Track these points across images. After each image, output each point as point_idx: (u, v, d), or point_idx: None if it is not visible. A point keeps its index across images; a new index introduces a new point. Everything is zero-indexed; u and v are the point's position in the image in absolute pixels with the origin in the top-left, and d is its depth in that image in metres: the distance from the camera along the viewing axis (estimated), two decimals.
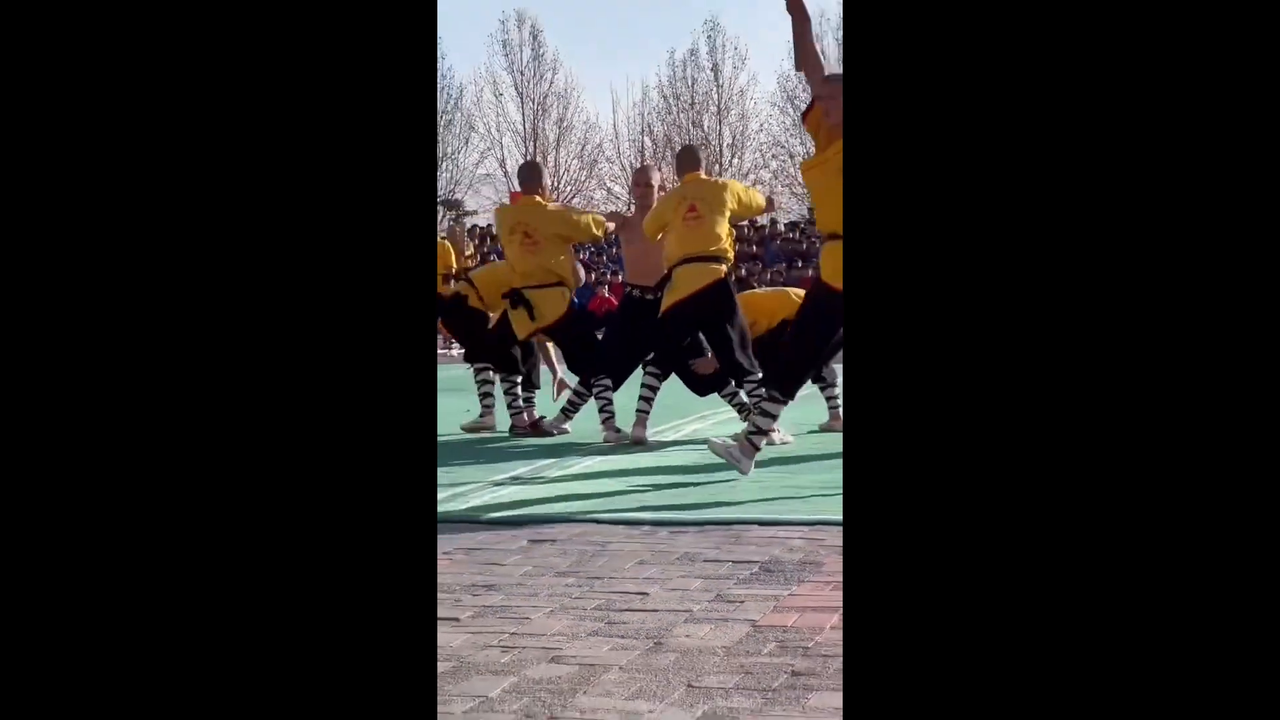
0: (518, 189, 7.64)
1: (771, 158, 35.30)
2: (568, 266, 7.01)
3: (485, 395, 7.83)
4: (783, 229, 29.41)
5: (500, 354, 7.51)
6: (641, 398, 6.99)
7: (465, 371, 8.03)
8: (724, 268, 6.69)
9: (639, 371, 7.17)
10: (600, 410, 7.02)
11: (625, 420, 7.14)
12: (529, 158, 31.29)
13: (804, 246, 27.04)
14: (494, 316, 7.66)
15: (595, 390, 7.00)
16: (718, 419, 7.76)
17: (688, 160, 7.13)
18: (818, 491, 5.01)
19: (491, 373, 7.79)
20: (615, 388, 7.00)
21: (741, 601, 3.31)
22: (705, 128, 35.58)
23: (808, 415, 7.98)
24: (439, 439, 7.12)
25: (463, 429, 7.69)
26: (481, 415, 7.80)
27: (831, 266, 5.04)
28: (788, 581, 3.50)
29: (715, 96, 36.02)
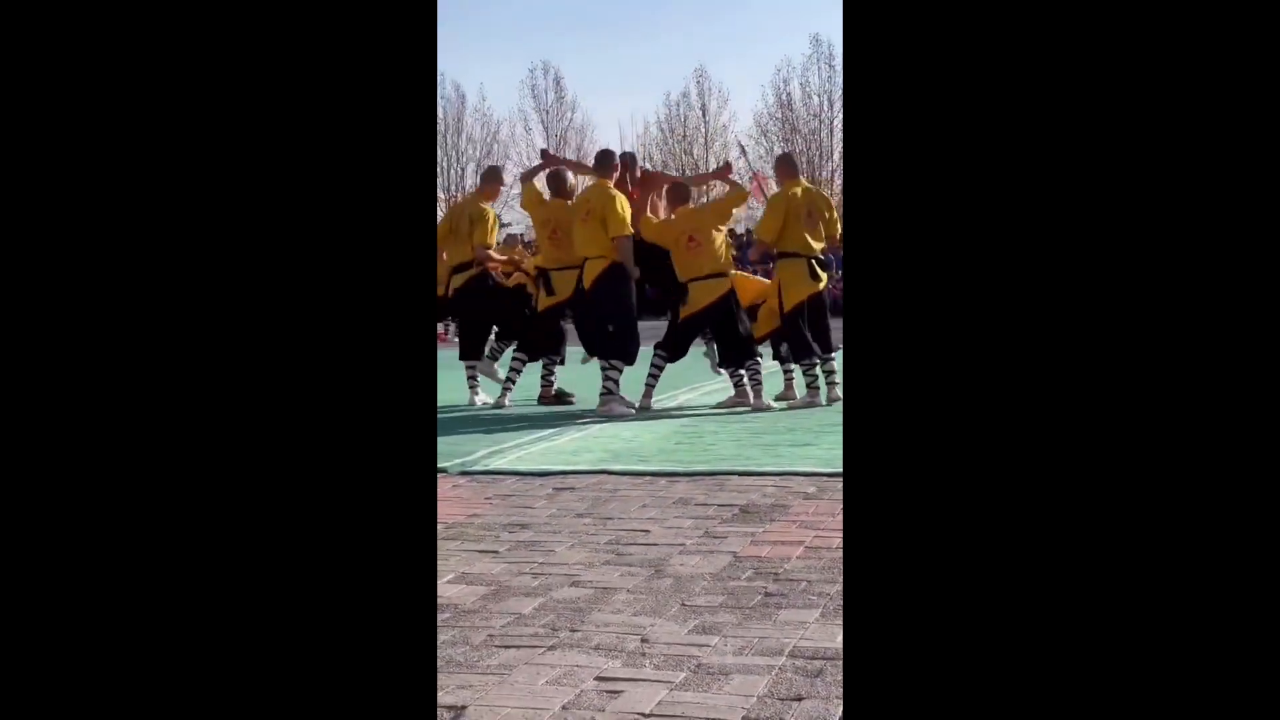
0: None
1: (747, 179, 35.28)
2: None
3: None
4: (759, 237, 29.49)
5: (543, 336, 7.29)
6: (651, 374, 6.93)
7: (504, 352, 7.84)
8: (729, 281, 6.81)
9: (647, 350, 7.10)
10: (647, 378, 6.83)
11: (632, 393, 7.13)
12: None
13: (775, 252, 27.04)
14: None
15: (654, 363, 6.82)
16: (707, 389, 7.73)
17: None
18: (786, 445, 5.00)
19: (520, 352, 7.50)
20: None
21: (725, 537, 3.30)
22: (694, 156, 35.47)
23: (775, 387, 7.97)
24: (481, 409, 7.10)
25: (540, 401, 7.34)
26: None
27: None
28: (762, 521, 3.50)
29: (703, 130, 35.99)
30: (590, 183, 7.05)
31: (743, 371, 6.87)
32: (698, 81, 36.16)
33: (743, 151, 8.79)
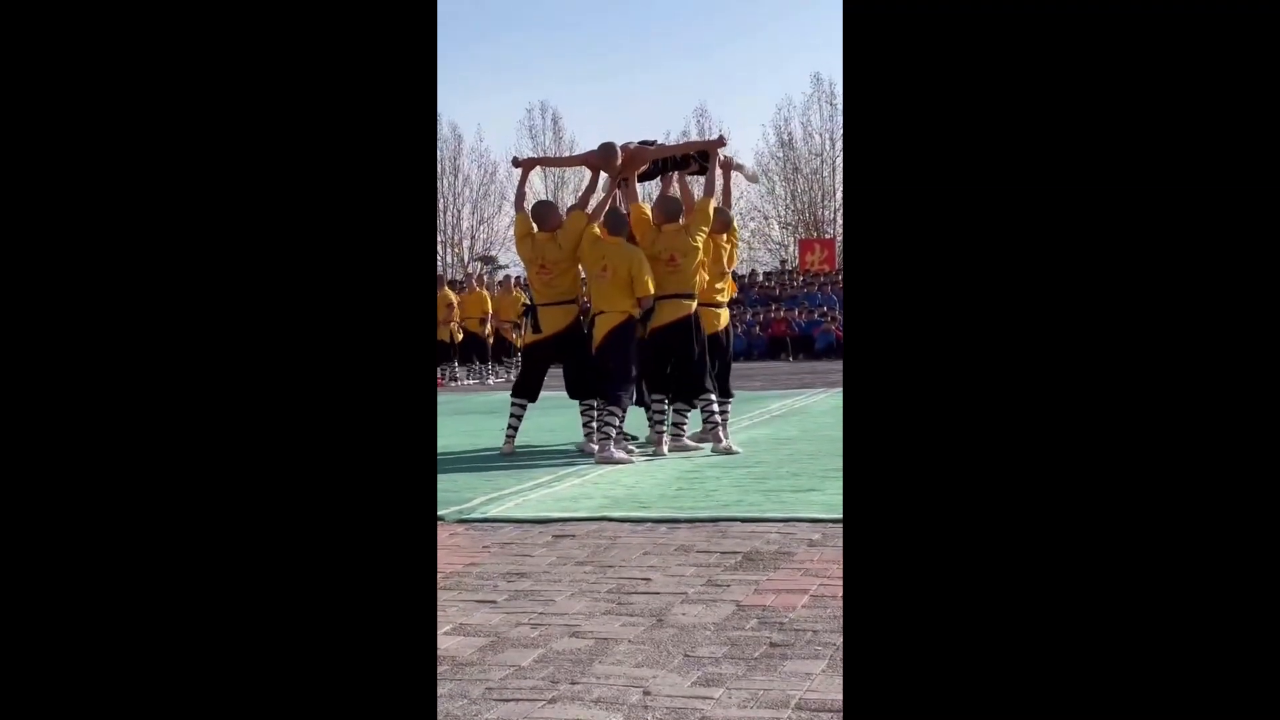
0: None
1: (750, 219, 35.36)
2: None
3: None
4: (761, 278, 29.49)
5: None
6: (662, 419, 6.93)
7: (501, 396, 7.85)
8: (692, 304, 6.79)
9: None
10: (705, 421, 6.81)
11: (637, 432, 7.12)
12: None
13: (777, 292, 27.11)
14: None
15: (703, 405, 6.77)
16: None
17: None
18: (790, 491, 5.00)
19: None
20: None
21: (728, 585, 3.30)
22: (695, 196, 35.77)
23: (778, 430, 7.96)
24: (480, 452, 7.10)
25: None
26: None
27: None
28: (766, 569, 3.49)
29: None
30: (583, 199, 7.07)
31: (691, 407, 6.88)
32: (698, 120, 36.37)
33: (739, 169, 8.54)
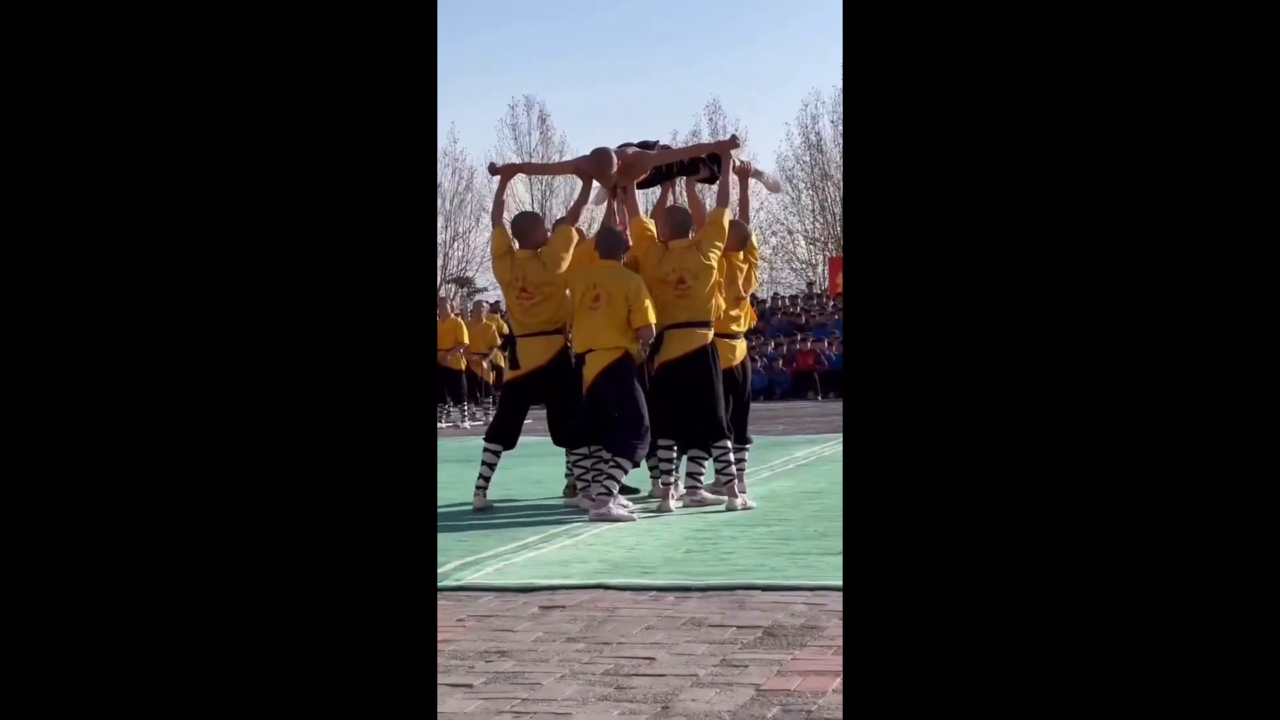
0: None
1: (771, 234, 35.44)
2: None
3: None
4: (784, 303, 29.42)
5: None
6: (669, 469, 6.88)
7: (477, 442, 7.86)
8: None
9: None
10: (720, 473, 6.77)
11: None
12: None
13: (803, 320, 27.09)
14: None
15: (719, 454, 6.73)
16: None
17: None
18: (817, 554, 4.99)
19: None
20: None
21: (746, 666, 3.29)
22: (707, 207, 35.87)
23: (804, 482, 7.96)
24: (453, 508, 7.09)
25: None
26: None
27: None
28: (790, 646, 3.49)
29: None
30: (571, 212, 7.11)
31: (709, 456, 6.86)
32: (710, 118, 36.54)
33: (759, 176, 8.51)
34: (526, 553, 5.39)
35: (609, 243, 6.84)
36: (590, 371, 6.66)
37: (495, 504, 7.13)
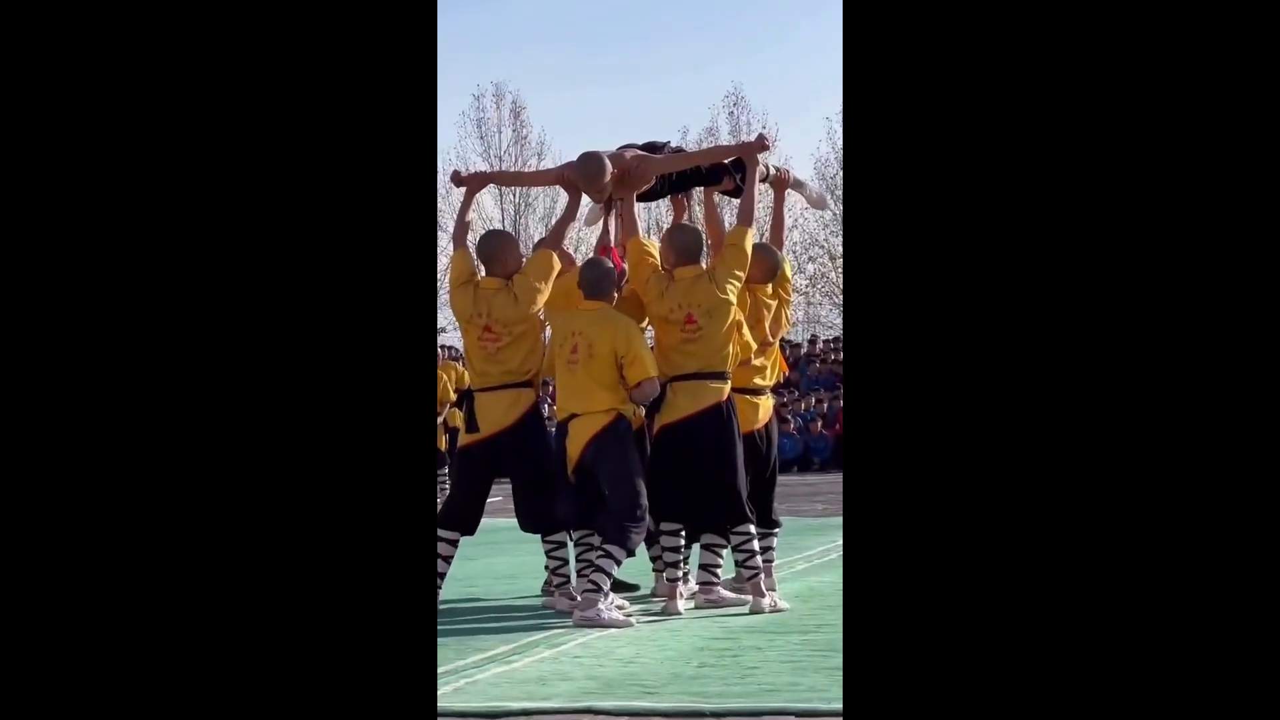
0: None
1: (808, 260, 35.34)
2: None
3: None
4: (822, 348, 29.11)
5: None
6: (675, 560, 6.79)
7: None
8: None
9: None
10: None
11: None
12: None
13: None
14: None
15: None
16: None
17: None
18: None
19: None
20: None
21: None
22: (727, 225, 35.88)
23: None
24: None
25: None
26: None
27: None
28: None
29: None
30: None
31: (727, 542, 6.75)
32: (730, 113, 36.49)
33: (799, 188, 8.40)
34: (494, 667, 5.38)
35: (595, 278, 6.70)
36: (575, 443, 6.55)
37: (454, 605, 7.10)
